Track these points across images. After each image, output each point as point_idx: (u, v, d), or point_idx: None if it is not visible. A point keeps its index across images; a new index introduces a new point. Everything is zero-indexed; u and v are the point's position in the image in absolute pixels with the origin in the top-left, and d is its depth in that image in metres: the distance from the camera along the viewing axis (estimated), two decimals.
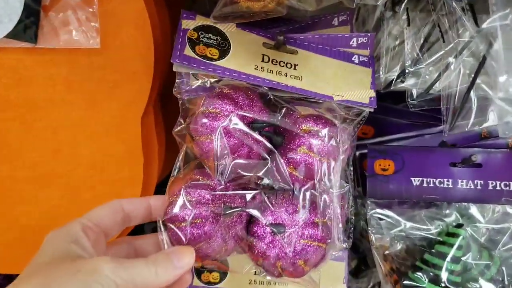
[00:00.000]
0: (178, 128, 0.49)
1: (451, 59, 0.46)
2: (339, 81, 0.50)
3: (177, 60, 0.47)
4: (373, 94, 0.50)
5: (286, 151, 0.46)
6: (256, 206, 0.46)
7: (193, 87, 0.49)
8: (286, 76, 0.49)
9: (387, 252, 0.59)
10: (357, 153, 0.63)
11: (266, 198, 0.46)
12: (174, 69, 0.47)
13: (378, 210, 0.58)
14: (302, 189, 0.46)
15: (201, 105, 0.46)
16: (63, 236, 0.38)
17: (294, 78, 0.49)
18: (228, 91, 0.47)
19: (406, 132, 0.63)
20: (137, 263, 0.37)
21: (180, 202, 0.44)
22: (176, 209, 0.43)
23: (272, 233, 0.45)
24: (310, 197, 0.46)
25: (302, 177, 0.46)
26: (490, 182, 0.55)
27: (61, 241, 0.37)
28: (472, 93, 0.47)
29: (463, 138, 0.60)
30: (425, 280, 0.53)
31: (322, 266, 0.47)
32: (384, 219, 0.58)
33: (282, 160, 0.46)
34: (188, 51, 0.47)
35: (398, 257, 0.59)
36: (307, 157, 0.45)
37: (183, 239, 0.43)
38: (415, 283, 0.54)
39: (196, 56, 0.47)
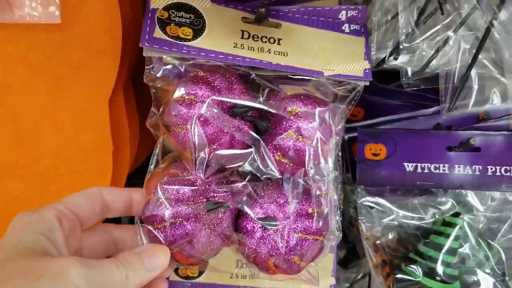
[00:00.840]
0: (152, 119, 0.44)
1: (450, 33, 0.42)
2: (329, 54, 0.45)
3: (146, 44, 0.42)
4: (367, 65, 0.45)
5: (273, 136, 0.42)
6: (242, 200, 0.41)
7: (165, 72, 0.44)
8: (270, 52, 0.44)
9: (378, 242, 0.56)
10: (346, 136, 0.59)
11: (253, 190, 0.42)
12: (144, 54, 0.43)
13: (369, 198, 0.54)
14: (293, 178, 0.42)
15: (174, 92, 0.41)
16: (34, 224, 0.33)
17: (279, 54, 0.44)
18: (203, 74, 0.42)
19: (398, 113, 0.58)
20: (108, 266, 0.33)
21: (157, 200, 0.39)
22: (153, 208, 0.39)
23: (263, 228, 0.41)
24: (302, 186, 0.42)
25: (291, 164, 0.42)
26: (489, 167, 0.51)
27: (30, 229, 0.33)
28: (473, 71, 0.42)
29: (459, 119, 0.56)
30: (420, 273, 0.50)
31: (320, 260, 0.43)
32: (375, 208, 0.55)
33: (268, 147, 0.42)
34: (158, 33, 0.43)
35: (389, 248, 0.55)
36: (296, 142, 0.41)
37: (162, 241, 0.39)
38: (408, 277, 0.50)
39: (168, 38, 0.43)
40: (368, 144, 0.53)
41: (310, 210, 0.41)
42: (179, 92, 0.41)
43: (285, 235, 0.40)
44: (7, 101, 0.46)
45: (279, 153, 0.42)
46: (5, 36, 0.44)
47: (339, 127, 0.44)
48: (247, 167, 0.42)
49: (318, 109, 0.41)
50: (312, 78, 0.44)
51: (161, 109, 0.43)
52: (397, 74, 0.51)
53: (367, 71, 0.45)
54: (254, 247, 0.41)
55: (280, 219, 0.41)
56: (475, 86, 0.43)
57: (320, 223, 0.41)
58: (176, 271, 0.53)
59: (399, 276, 0.50)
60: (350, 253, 0.65)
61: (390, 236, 0.56)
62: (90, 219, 0.38)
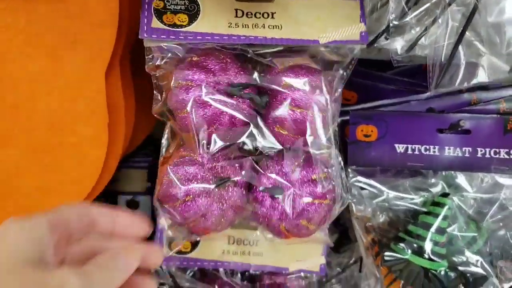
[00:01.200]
0: (157, 106, 0.47)
1: (438, 12, 0.43)
2: (323, 21, 0.46)
3: (145, 35, 0.44)
4: (363, 28, 0.46)
5: (270, 110, 0.44)
6: (248, 174, 0.44)
7: (165, 61, 0.46)
8: (264, 27, 0.45)
9: (369, 224, 0.56)
10: (339, 119, 0.59)
11: (257, 164, 0.45)
12: (145, 45, 0.45)
13: (360, 178, 0.54)
14: (293, 148, 0.45)
15: (173, 79, 0.44)
16: (26, 232, 0.32)
17: (273, 28, 0.45)
18: (197, 58, 0.44)
19: (391, 98, 0.59)
20: (103, 273, 0.32)
21: (169, 181, 0.43)
22: (167, 189, 0.43)
23: (271, 197, 0.44)
24: (303, 154, 0.44)
25: (291, 135, 0.43)
26: (479, 149, 0.52)
27: (22, 237, 0.32)
28: (460, 48, 0.43)
29: (452, 105, 0.56)
30: (408, 251, 0.50)
31: (329, 223, 0.46)
32: (366, 189, 0.55)
33: (267, 121, 0.44)
34: (155, 23, 0.44)
35: (380, 229, 0.56)
36: (293, 112, 0.42)
37: (178, 218, 0.43)
38: (397, 255, 0.50)
39: (165, 27, 0.44)
40: (360, 125, 0.54)
41: (314, 176, 0.43)
42: (177, 78, 0.44)
43: (292, 202, 0.43)
44: (4, 70, 0.47)
45: (278, 126, 0.43)
46: (4, 7, 0.45)
47: (337, 94, 0.45)
48: (249, 143, 0.44)
49: (309, 78, 0.42)
50: (308, 49, 0.45)
51: (163, 96, 0.46)
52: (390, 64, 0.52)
53: (363, 33, 0.46)
54: (265, 215, 0.44)
55: (286, 187, 0.43)
56: (463, 63, 0.44)
57: (325, 187, 0.44)
58: (169, 246, 0.54)
59: (387, 254, 0.51)
60: (342, 237, 0.66)
61: (381, 218, 0.56)
62: (78, 233, 0.37)
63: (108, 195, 0.69)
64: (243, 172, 0.44)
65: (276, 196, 0.43)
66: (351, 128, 0.53)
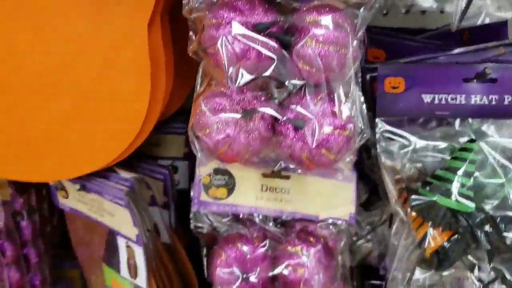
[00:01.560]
0: (192, 45, 0.50)
1: None
2: None
3: None
4: None
5: (295, 46, 0.47)
6: (273, 106, 0.47)
7: (198, 2, 0.49)
8: None
9: (397, 176, 0.58)
10: (368, 76, 0.61)
11: (281, 97, 0.48)
12: None
13: (388, 128, 0.56)
14: (316, 83, 0.47)
15: (205, 18, 0.48)
16: None
17: None
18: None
19: (419, 55, 0.61)
20: None
21: (201, 112, 0.47)
22: (199, 119, 0.47)
23: (294, 129, 0.47)
24: (325, 89, 0.47)
25: (314, 70, 0.46)
26: (506, 96, 0.53)
27: None
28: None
29: (480, 60, 0.58)
30: (435, 194, 0.52)
31: (349, 154, 0.49)
32: (395, 139, 0.57)
33: (291, 57, 0.47)
34: None
35: (409, 180, 0.57)
36: (316, 49, 0.45)
37: (209, 144, 0.47)
38: (424, 197, 0.52)
39: None
40: (388, 78, 0.56)
41: (334, 109, 0.47)
42: (208, 17, 0.47)
43: (313, 132, 0.46)
44: (51, 27, 0.52)
45: (301, 61, 0.46)
46: None
47: (360, 34, 0.47)
48: (275, 77, 0.47)
49: (332, 15, 0.45)
50: None
51: (197, 37, 0.50)
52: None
53: None
54: (289, 146, 0.47)
55: (308, 119, 0.46)
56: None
57: (345, 119, 0.46)
58: (206, 192, 0.57)
59: (414, 197, 0.52)
60: (372, 194, 0.68)
61: (410, 170, 0.58)
62: None
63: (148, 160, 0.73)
64: (268, 104, 0.47)
65: (298, 127, 0.46)
66: (379, 81, 0.56)
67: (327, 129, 0.46)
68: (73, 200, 0.63)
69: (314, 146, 0.46)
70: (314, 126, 0.46)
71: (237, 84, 0.46)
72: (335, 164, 0.48)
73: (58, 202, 0.66)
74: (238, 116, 0.46)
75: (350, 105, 0.47)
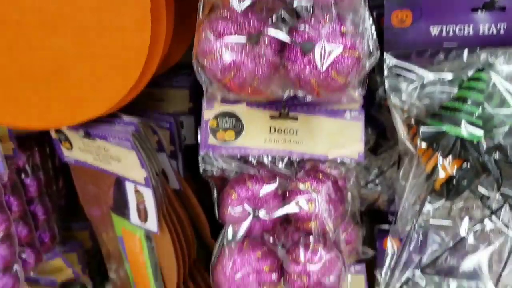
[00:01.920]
0: None
1: None
2: None
3: None
4: None
5: None
6: (280, 27, 0.46)
7: None
8: None
9: (406, 115, 0.58)
10: (374, 13, 0.61)
11: (290, 21, 0.47)
12: None
13: (396, 62, 0.56)
14: (323, 5, 0.46)
15: None
16: None
17: None
18: None
19: None
20: None
21: (206, 37, 0.45)
22: (204, 44, 0.45)
23: (303, 53, 0.45)
24: (333, 10, 0.45)
25: None
26: None
27: None
28: None
29: None
30: (444, 123, 0.51)
31: (357, 77, 0.47)
32: (403, 75, 0.56)
33: None
34: None
35: (418, 116, 0.57)
36: None
37: (215, 70, 0.45)
38: (433, 128, 0.52)
39: None
40: (395, 11, 0.55)
41: (343, 29, 0.45)
42: None
43: (322, 54, 0.44)
44: None
45: None
46: None
47: None
48: None
49: None
50: None
51: None
52: None
53: None
54: (298, 72, 0.46)
55: (316, 40, 0.45)
56: None
57: (354, 40, 0.45)
58: (214, 135, 0.56)
59: (424, 128, 0.52)
60: (380, 138, 0.67)
61: (419, 106, 0.57)
62: None
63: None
64: (275, 28, 0.45)
65: (307, 50, 0.45)
66: (386, 14, 0.55)
67: (336, 50, 0.45)
68: (78, 151, 0.62)
69: (323, 69, 0.44)
70: (323, 48, 0.45)
71: (242, 5, 0.44)
72: (344, 89, 0.47)
73: (63, 155, 0.65)
74: (243, 40, 0.44)
75: (359, 25, 0.46)
